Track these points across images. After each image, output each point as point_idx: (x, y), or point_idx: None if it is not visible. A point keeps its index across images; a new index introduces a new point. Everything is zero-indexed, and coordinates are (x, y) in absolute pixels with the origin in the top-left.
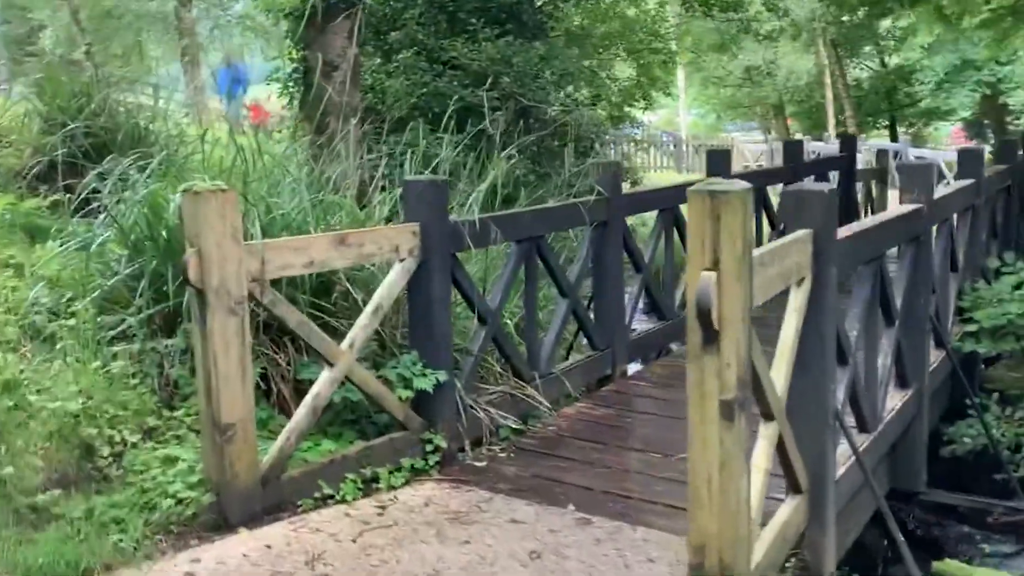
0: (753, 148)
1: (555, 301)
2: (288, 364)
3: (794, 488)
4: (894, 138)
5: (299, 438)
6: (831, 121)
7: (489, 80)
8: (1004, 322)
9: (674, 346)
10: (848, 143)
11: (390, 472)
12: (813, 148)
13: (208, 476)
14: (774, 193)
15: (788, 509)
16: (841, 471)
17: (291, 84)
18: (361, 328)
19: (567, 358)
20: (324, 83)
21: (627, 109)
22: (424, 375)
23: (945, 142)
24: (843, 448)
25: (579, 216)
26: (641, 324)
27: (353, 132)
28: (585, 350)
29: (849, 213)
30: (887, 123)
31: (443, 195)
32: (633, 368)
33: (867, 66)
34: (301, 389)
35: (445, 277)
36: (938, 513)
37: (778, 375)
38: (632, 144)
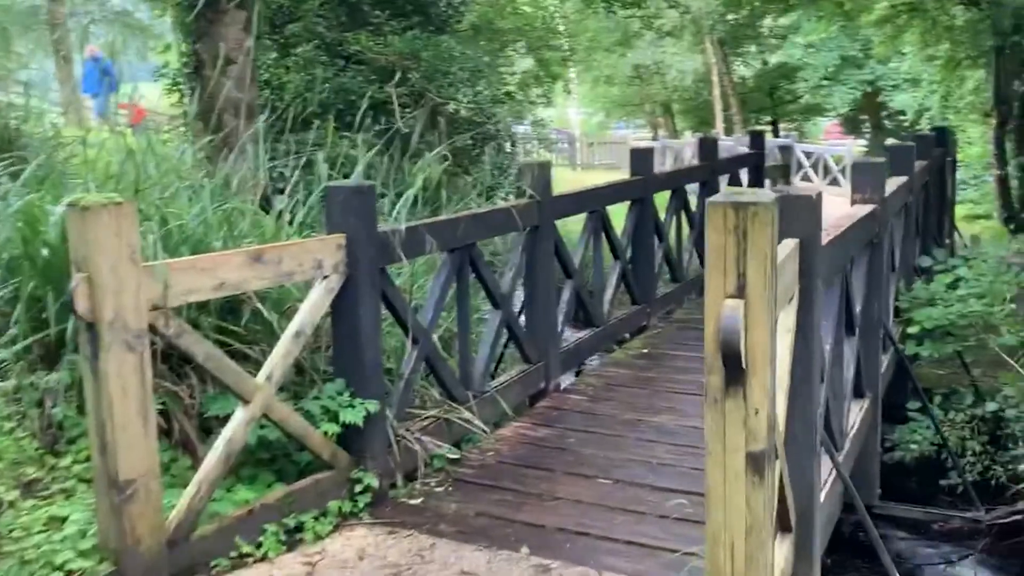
0: (645, 146)
1: (481, 311)
2: (192, 396)
3: (784, 527)
4: (776, 134)
5: (210, 489)
6: (719, 118)
7: (397, 75)
8: (946, 323)
9: (595, 358)
10: (757, 140)
11: (315, 519)
12: None
13: (104, 541)
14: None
15: (781, 555)
16: (820, 499)
17: (181, 80)
18: (281, 357)
19: (496, 373)
20: (218, 78)
21: (528, 105)
22: (352, 406)
23: (820, 137)
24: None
25: (512, 221)
26: (569, 331)
27: (253, 131)
28: (515, 363)
29: None
30: (770, 119)
31: (371, 202)
32: (566, 381)
33: (750, 64)
34: (207, 425)
35: (374, 295)
36: (880, 519)
37: (779, 406)
38: (537, 142)
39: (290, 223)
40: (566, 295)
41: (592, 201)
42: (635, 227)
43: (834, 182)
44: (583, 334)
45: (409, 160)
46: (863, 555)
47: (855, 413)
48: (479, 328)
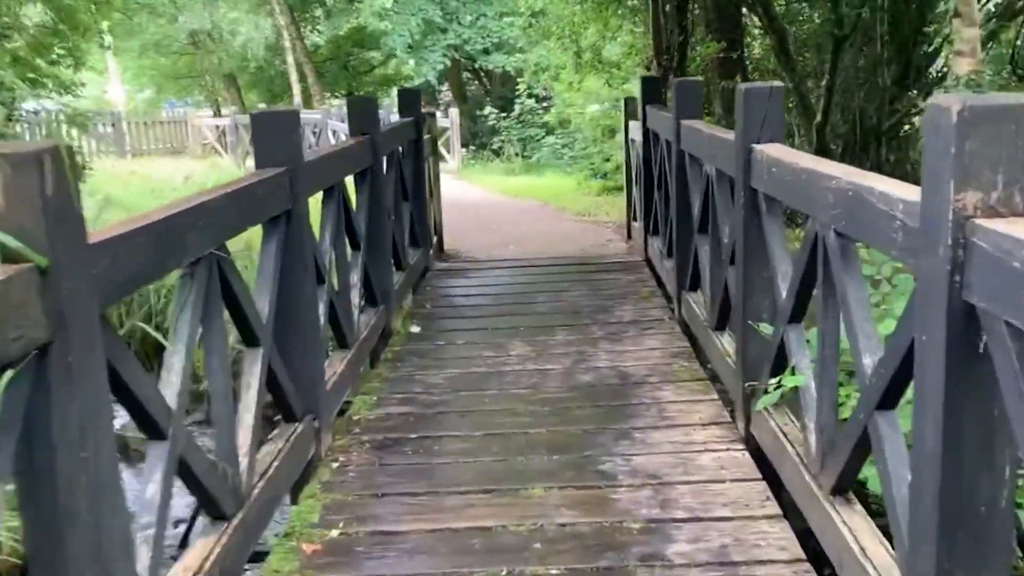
0: (212, 124)
1: None
2: None
3: None
4: None
5: None
6: (296, 90)
7: None
8: None
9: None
10: (410, 102)
11: None
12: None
13: None
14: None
15: None
16: None
17: None
18: None
19: None
20: None
21: (49, 71)
22: None
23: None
24: None
25: None
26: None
27: None
28: None
29: (419, 196)
30: (347, 92)
31: None
32: None
33: (320, 31)
34: None
35: None
36: None
37: None
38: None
39: None
40: (153, 489)
41: (188, 239)
42: (282, 273)
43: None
44: (205, 549)
45: None
46: None
47: None
48: None
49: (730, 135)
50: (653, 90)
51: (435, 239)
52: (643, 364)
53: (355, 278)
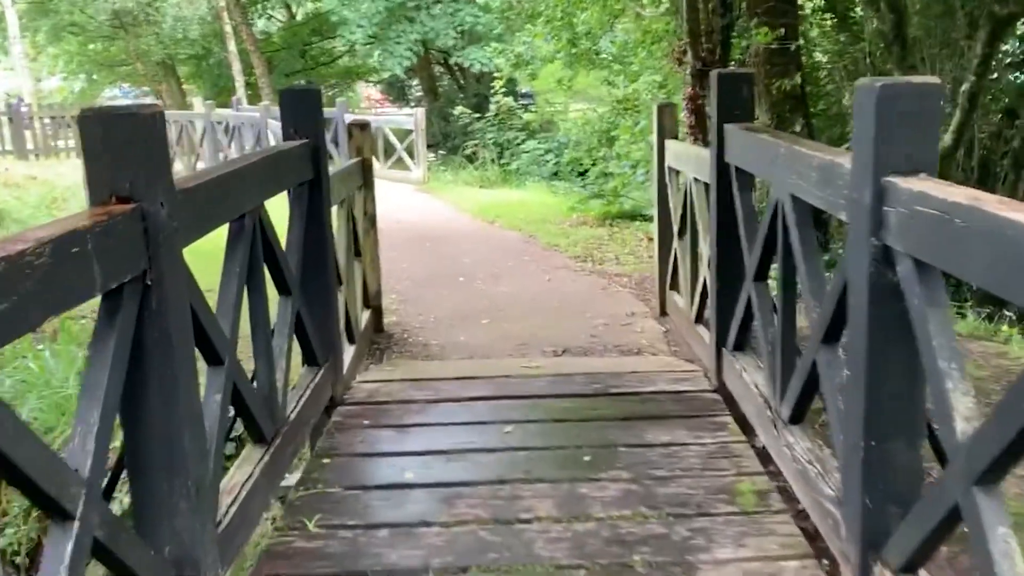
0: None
1: None
2: None
3: None
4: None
5: None
6: (240, 81)
7: None
8: None
9: None
10: (302, 110)
11: None
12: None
13: None
14: None
15: None
16: None
17: None
18: None
19: None
20: None
21: None
22: None
23: (363, 106)
24: None
25: None
26: None
27: None
28: None
29: (318, 279)
30: (305, 84)
31: None
32: None
33: (272, 16)
34: None
35: None
36: None
37: None
38: None
39: None
40: None
41: None
42: None
43: (399, 163)
44: None
45: None
46: None
47: None
48: None
49: None
50: (735, 97)
51: (367, 315)
52: None
53: None
